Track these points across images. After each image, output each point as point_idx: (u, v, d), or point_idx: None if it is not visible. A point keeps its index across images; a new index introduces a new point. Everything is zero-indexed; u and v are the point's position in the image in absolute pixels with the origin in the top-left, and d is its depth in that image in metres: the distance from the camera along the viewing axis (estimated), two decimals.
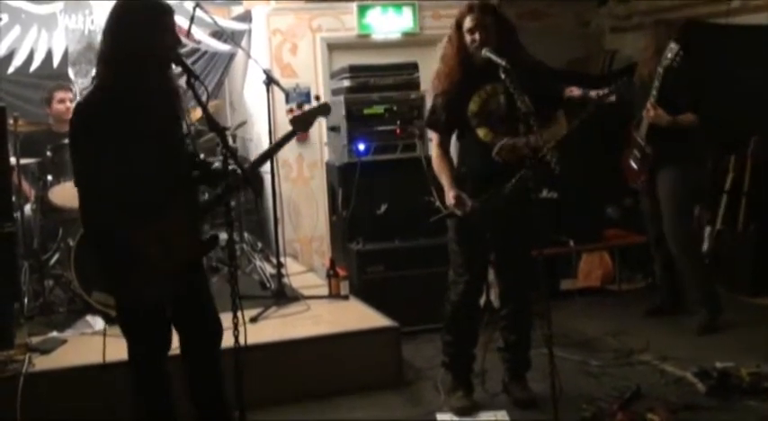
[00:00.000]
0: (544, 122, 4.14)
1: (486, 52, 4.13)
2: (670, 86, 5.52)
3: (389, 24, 7.65)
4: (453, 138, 4.55)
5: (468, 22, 4.27)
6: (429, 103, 4.74)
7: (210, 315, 3.65)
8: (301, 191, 7.51)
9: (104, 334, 3.63)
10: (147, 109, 3.36)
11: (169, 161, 3.44)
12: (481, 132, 4.32)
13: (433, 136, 4.58)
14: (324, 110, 4.10)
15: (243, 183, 3.52)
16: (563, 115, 4.44)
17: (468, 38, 4.28)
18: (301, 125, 3.92)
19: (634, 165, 5.91)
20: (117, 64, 3.32)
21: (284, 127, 7.02)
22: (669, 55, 5.42)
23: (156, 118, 3.39)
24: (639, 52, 6.14)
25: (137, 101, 3.33)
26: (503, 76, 3.99)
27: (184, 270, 3.46)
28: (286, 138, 3.85)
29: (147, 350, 3.54)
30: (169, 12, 3.43)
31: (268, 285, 5.98)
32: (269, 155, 3.84)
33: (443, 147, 4.49)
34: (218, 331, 3.65)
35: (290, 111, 4.07)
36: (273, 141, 3.97)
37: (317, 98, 4.11)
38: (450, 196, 4.27)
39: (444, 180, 4.40)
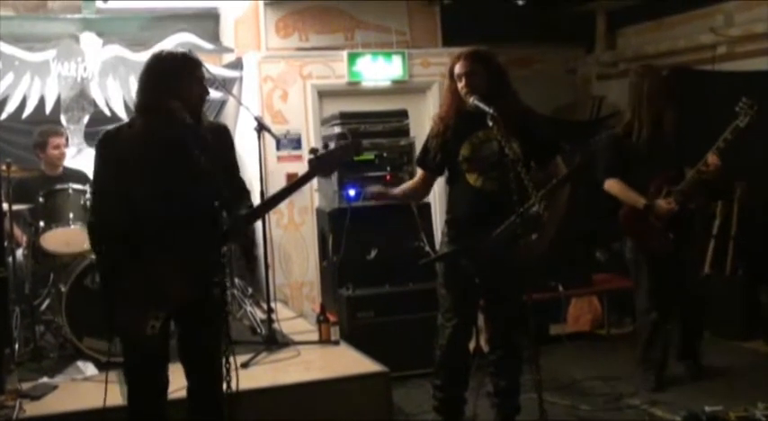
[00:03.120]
0: (544, 168, 4.20)
1: (473, 100, 4.17)
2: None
3: (379, 72, 7.70)
4: (442, 182, 4.60)
5: (457, 69, 4.33)
6: (419, 148, 4.79)
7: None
8: (292, 236, 7.52)
9: (105, 380, 3.65)
10: (174, 152, 3.45)
11: (182, 203, 3.48)
12: (471, 178, 4.35)
13: (419, 174, 4.69)
14: (354, 148, 3.65)
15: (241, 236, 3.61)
16: (561, 161, 4.45)
17: (458, 84, 4.33)
18: (325, 169, 3.56)
19: (660, 221, 5.49)
20: (154, 113, 3.46)
21: (275, 173, 7.19)
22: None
23: (180, 163, 3.45)
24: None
25: (164, 141, 3.44)
26: (490, 123, 3.98)
27: (183, 304, 3.52)
28: (302, 181, 3.61)
29: (143, 390, 3.56)
30: (200, 64, 3.59)
31: (258, 331, 5.96)
32: (278, 200, 3.64)
33: (425, 181, 4.63)
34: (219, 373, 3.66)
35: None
36: (270, 189, 3.87)
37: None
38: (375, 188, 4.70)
39: (398, 188, 4.77)
